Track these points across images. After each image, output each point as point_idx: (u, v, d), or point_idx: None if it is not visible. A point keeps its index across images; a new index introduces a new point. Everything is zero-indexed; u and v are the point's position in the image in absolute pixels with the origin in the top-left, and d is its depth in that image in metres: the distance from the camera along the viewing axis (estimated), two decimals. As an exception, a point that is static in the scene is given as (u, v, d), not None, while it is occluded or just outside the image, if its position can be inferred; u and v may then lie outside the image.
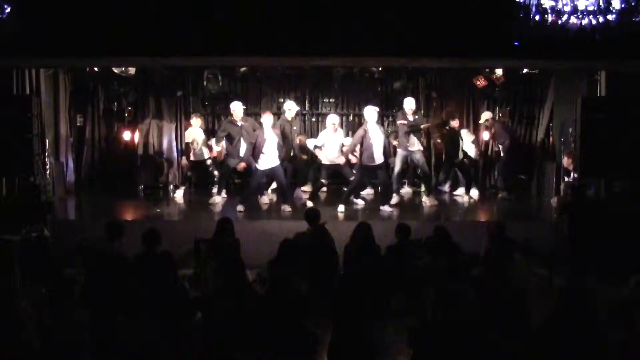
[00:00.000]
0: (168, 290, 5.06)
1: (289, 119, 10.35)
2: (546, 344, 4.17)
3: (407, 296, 6.00)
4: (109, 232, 6.30)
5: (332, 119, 10.47)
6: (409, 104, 10.26)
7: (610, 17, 7.29)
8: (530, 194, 11.62)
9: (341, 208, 9.41)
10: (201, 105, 12.55)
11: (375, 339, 4.70)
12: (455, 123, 11.19)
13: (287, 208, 9.42)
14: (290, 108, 10.42)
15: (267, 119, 9.67)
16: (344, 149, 10.25)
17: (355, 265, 6.28)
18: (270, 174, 9.75)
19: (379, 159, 9.38)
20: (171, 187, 11.56)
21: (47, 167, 9.60)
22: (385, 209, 9.52)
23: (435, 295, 4.65)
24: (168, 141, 12.21)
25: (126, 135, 11.75)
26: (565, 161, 10.09)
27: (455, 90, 12.51)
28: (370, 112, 9.48)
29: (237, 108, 10.16)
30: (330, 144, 10.39)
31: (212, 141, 10.78)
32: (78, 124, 12.02)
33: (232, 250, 6.44)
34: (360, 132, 9.48)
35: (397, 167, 10.39)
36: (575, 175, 9.20)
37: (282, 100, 12.31)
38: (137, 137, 11.96)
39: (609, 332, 4.32)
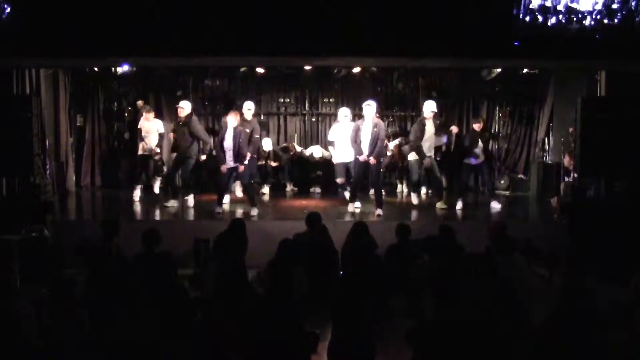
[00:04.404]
0: (168, 290, 5.05)
1: (249, 119, 10.35)
2: (546, 343, 4.17)
3: (407, 296, 5.99)
4: (105, 229, 6.27)
5: (345, 112, 10.20)
6: (431, 107, 9.72)
7: (610, 17, 7.30)
8: (531, 194, 11.62)
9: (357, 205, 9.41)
10: (201, 105, 12.55)
11: (375, 339, 4.69)
12: (477, 125, 10.71)
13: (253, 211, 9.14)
14: (250, 108, 10.48)
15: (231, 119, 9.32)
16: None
17: (353, 265, 6.27)
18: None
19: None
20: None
21: (47, 167, 9.60)
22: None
23: (435, 295, 4.65)
24: (168, 141, 12.18)
25: (126, 135, 11.75)
26: (566, 161, 10.08)
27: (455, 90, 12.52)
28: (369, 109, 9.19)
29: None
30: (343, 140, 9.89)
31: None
32: (78, 124, 12.03)
33: (234, 251, 6.42)
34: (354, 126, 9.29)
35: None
36: (575, 175, 9.19)
37: (282, 100, 12.28)
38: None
39: (609, 332, 4.32)
